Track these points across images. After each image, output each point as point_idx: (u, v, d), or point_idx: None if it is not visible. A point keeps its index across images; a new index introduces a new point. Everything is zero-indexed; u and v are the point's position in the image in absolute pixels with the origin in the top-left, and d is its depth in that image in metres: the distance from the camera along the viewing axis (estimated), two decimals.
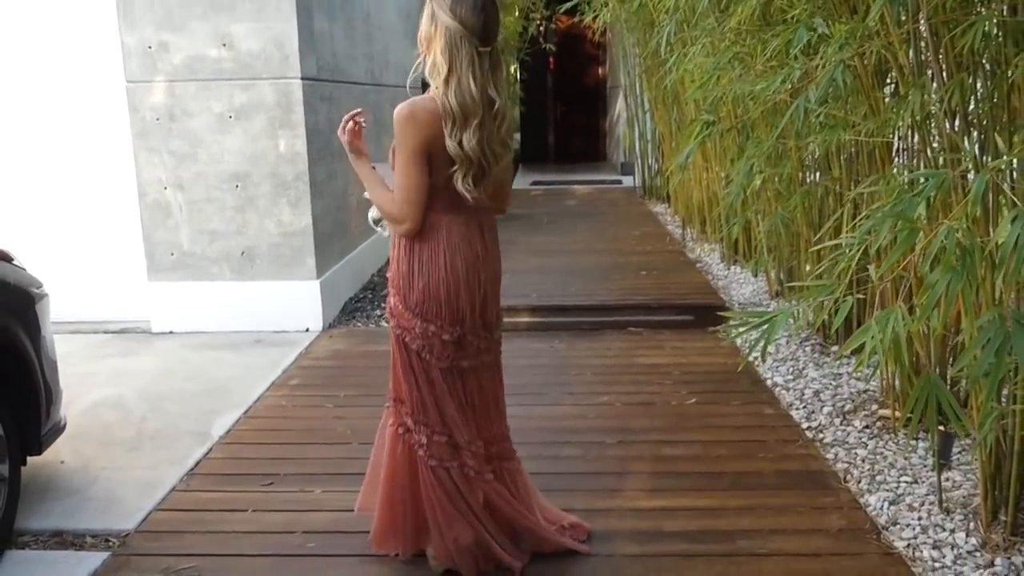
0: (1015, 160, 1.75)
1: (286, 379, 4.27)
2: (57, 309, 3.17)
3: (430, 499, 2.44)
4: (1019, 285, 2.15)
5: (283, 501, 2.98)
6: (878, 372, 3.71)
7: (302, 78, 4.85)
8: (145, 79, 4.87)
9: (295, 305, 5.06)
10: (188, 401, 3.97)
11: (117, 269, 5.23)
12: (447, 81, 2.23)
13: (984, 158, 2.39)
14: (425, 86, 2.40)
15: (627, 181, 11.83)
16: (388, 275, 2.51)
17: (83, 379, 4.17)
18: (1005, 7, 2.51)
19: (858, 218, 2.42)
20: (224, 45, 4.81)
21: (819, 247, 3.86)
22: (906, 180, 2.40)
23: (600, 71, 15.94)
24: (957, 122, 2.77)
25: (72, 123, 5.12)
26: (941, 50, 2.68)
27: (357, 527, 2.74)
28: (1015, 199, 1.63)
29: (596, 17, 8.23)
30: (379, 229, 2.50)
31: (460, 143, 2.23)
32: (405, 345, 2.42)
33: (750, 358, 4.32)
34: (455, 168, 2.27)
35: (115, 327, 5.18)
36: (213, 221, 5.01)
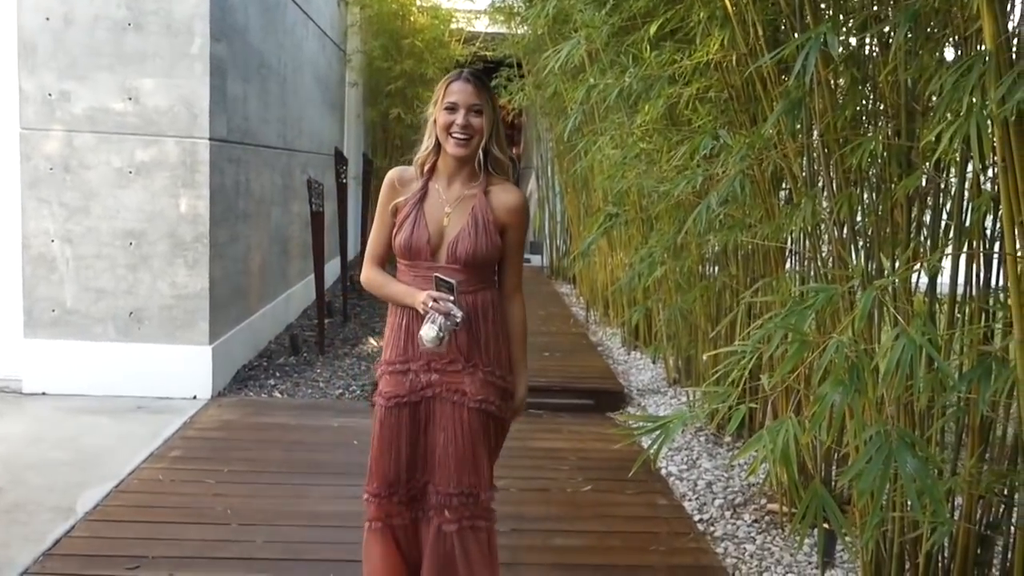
0: (896, 280, 1.86)
1: (166, 450, 4.03)
2: None
3: None
4: (900, 399, 2.25)
5: None
6: (766, 467, 3.79)
7: (210, 139, 4.74)
8: (41, 127, 4.66)
9: (183, 371, 4.82)
10: (54, 472, 3.68)
11: None
12: None
13: (869, 270, 2.52)
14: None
15: (535, 260, 11.99)
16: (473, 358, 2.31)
17: None
18: (890, 130, 2.69)
19: (751, 326, 2.50)
20: (130, 99, 4.67)
21: (716, 352, 3.94)
22: (796, 292, 2.50)
23: (514, 151, 16.31)
24: (845, 231, 2.92)
25: None
26: (832, 164, 2.84)
27: None
28: (897, 316, 1.72)
29: (511, 100, 8.43)
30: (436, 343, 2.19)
31: None
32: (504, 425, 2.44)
33: (648, 454, 4.31)
34: None
35: None
36: (102, 278, 4.77)
